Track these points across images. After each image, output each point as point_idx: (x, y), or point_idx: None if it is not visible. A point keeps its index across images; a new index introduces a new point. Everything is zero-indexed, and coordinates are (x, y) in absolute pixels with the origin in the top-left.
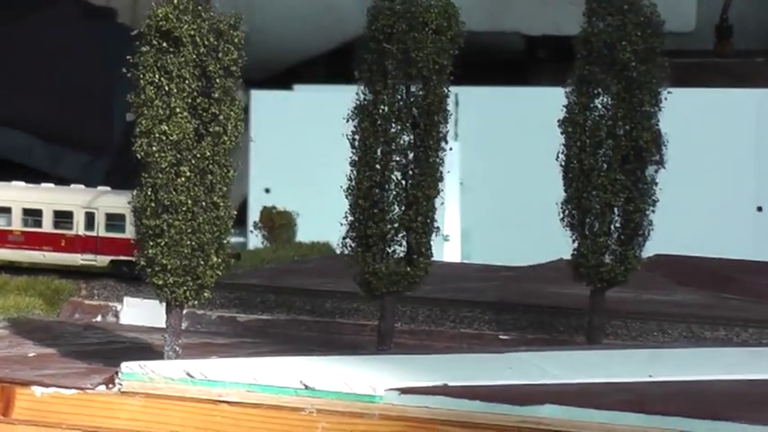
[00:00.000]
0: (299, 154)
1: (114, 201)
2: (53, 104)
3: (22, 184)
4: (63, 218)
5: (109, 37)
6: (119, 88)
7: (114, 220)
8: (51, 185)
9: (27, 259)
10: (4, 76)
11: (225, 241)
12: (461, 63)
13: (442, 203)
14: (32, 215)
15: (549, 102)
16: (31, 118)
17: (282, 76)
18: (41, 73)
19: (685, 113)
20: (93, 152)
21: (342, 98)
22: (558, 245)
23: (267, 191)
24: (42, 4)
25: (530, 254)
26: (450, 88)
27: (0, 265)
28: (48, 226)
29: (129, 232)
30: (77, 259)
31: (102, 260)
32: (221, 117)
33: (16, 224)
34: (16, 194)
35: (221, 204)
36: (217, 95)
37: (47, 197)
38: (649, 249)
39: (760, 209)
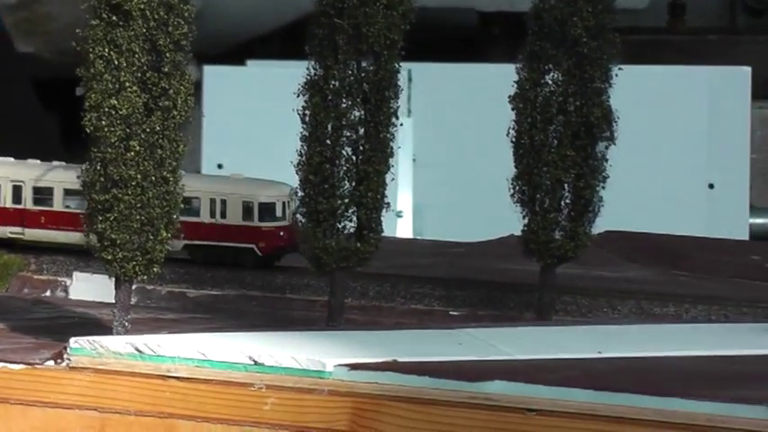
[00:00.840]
0: (252, 129)
1: (41, 174)
2: None
3: None
4: None
5: None
6: None
7: (42, 194)
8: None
9: None
10: None
11: (174, 216)
12: (415, 39)
13: (393, 179)
14: None
15: (503, 78)
16: None
17: (236, 52)
18: None
19: (638, 90)
20: None
21: (295, 74)
22: (510, 221)
23: (220, 166)
24: None
25: (482, 230)
26: (404, 64)
27: None
28: None
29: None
30: (6, 232)
31: (31, 234)
32: (171, 91)
33: None
34: None
35: (171, 179)
36: (167, 70)
37: None
38: (600, 226)
39: (712, 186)
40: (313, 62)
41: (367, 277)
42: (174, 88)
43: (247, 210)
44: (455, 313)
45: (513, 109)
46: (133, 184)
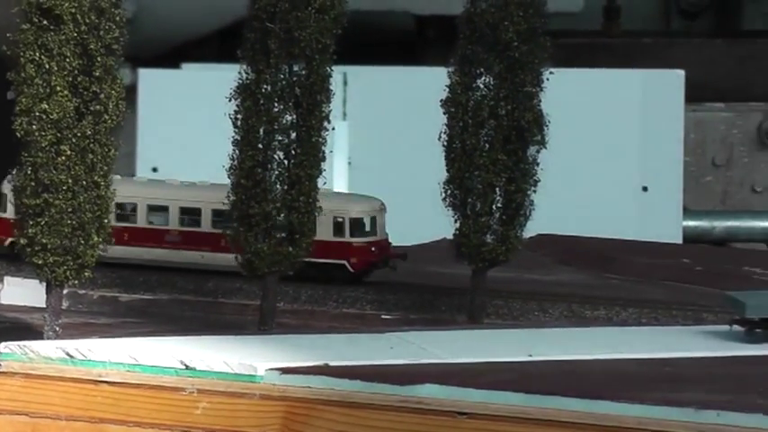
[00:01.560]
0: (187, 133)
1: None
2: None
3: None
4: None
5: None
6: None
7: None
8: None
9: None
10: None
11: (106, 221)
12: (350, 42)
13: (324, 183)
14: None
15: (438, 82)
16: None
17: (171, 55)
18: None
19: (571, 93)
20: None
21: (229, 77)
22: (445, 225)
23: (155, 170)
24: None
25: (416, 234)
26: (339, 68)
27: None
28: None
29: None
30: None
31: None
32: (102, 96)
33: None
34: None
35: (102, 183)
36: (98, 74)
37: None
38: (532, 229)
39: (645, 189)
40: (245, 66)
41: (299, 281)
42: (106, 92)
43: (338, 225)
44: (387, 317)
45: (444, 113)
46: (64, 188)
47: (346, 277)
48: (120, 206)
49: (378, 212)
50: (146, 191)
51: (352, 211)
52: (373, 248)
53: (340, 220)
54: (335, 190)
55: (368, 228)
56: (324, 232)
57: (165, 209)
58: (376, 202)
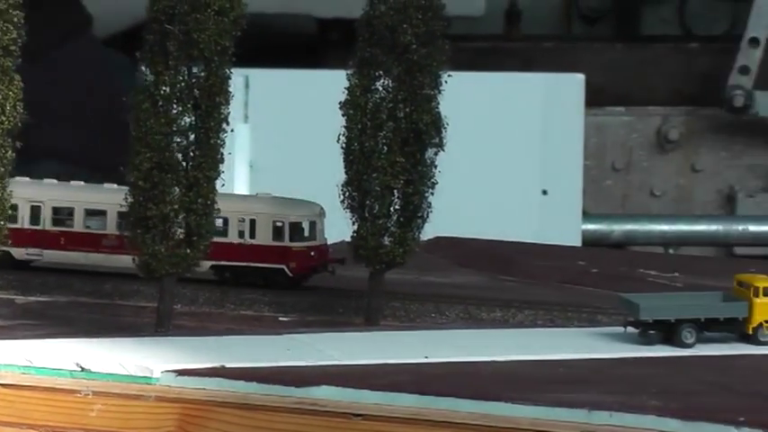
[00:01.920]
0: None
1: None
2: (91, 134)
3: None
4: None
5: (120, 64)
6: None
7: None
8: None
9: None
10: (44, 109)
11: (2, 223)
12: (253, 45)
13: (223, 185)
14: None
15: (340, 84)
16: (73, 149)
17: None
18: (77, 103)
19: (471, 97)
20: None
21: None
22: (344, 227)
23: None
24: (64, 38)
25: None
26: (241, 71)
27: None
28: None
29: None
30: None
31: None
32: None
33: None
34: None
35: None
36: None
37: None
38: (432, 232)
39: (545, 192)
40: (144, 68)
41: (197, 283)
42: (3, 94)
43: (277, 230)
44: (285, 319)
45: (343, 115)
46: None
47: (285, 282)
48: (56, 210)
49: (317, 217)
50: (83, 195)
51: (291, 215)
52: (312, 253)
53: (279, 224)
54: (277, 195)
55: (307, 232)
56: (263, 237)
57: (102, 213)
58: (315, 206)
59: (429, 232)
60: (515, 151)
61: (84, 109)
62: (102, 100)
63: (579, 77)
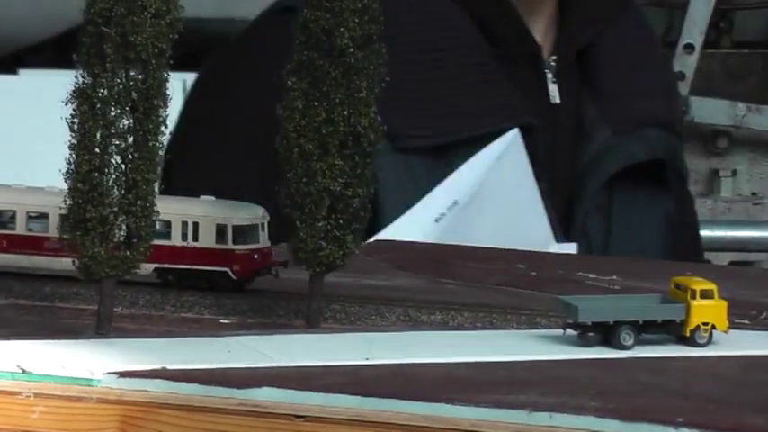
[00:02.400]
0: (26, 139)
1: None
2: (662, 99)
3: None
4: None
5: None
6: None
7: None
8: None
9: None
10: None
11: None
12: (192, 50)
13: (163, 187)
14: None
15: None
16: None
17: (7, 61)
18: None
19: None
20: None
21: (66, 83)
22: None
23: None
24: None
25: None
26: (179, 75)
27: None
28: None
29: None
30: None
31: None
32: None
33: None
34: None
35: None
36: None
37: None
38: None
39: None
40: (81, 71)
41: (137, 285)
42: None
43: (220, 233)
44: (225, 321)
45: (281, 118)
46: None
47: (229, 284)
48: None
49: (260, 220)
50: (25, 198)
51: (234, 218)
52: (256, 256)
53: (222, 227)
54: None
55: (250, 235)
56: (206, 240)
57: (44, 216)
58: (259, 209)
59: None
60: None
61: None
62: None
63: None
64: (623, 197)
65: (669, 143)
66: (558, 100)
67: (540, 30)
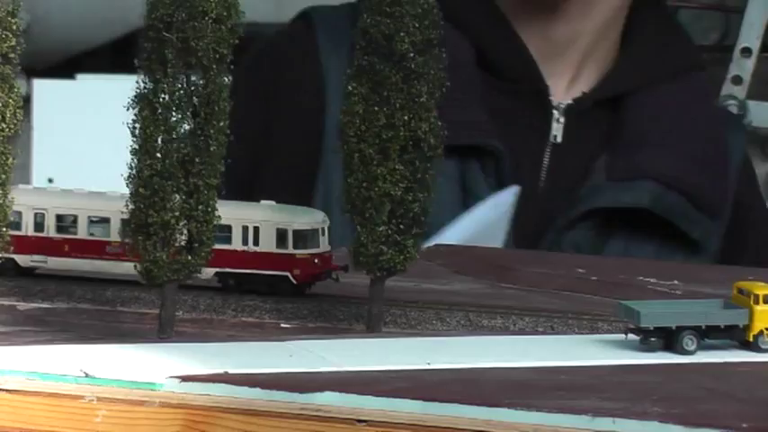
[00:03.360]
0: (83, 143)
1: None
2: (685, 160)
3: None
4: None
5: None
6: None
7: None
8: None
9: None
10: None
11: (3, 229)
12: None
13: (224, 192)
14: None
15: None
16: (669, 173)
17: (66, 66)
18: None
19: None
20: (709, 212)
21: (124, 87)
22: (344, 234)
23: (50, 181)
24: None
25: None
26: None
27: None
28: None
29: None
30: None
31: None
32: None
33: None
34: None
35: (0, 192)
36: None
37: None
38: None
39: None
40: (142, 76)
41: (198, 290)
42: (3, 101)
43: (281, 237)
44: (286, 325)
45: (342, 122)
46: None
47: (289, 289)
48: (60, 218)
49: (321, 225)
50: (87, 203)
51: (295, 222)
52: (316, 260)
53: (283, 232)
54: None
55: (310, 240)
56: (267, 244)
57: (106, 220)
58: (319, 214)
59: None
60: None
61: (683, 135)
62: (699, 130)
63: None
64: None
65: (668, 199)
66: (560, 139)
67: (557, 71)
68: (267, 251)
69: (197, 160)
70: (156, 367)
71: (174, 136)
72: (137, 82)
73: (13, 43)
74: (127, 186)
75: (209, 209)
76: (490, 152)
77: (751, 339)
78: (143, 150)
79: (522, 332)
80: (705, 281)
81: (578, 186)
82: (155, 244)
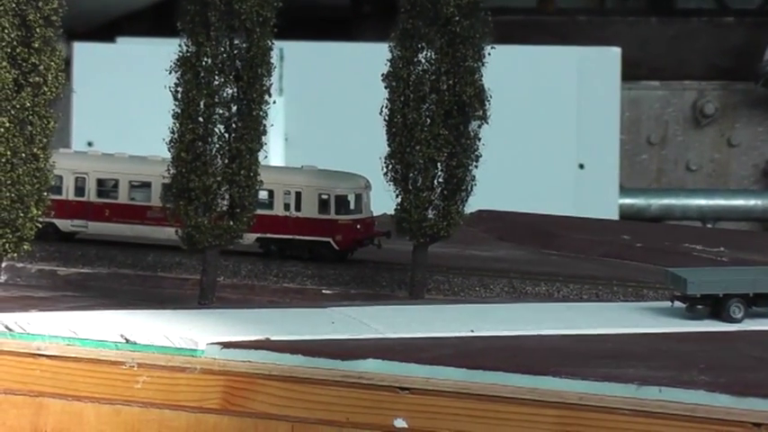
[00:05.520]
0: (123, 107)
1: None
2: None
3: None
4: None
5: None
6: None
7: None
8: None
9: None
10: None
11: (45, 193)
12: (287, 18)
13: (266, 157)
14: None
15: (374, 57)
16: None
17: (106, 29)
18: None
19: (509, 70)
20: None
21: (165, 51)
22: (384, 200)
23: (90, 144)
24: None
25: None
26: (276, 43)
27: None
28: None
29: None
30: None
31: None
32: (41, 67)
33: None
34: None
35: (41, 156)
36: (37, 45)
37: None
38: (472, 205)
39: (582, 166)
40: (185, 39)
41: (239, 255)
42: (45, 64)
43: (323, 203)
44: (328, 292)
45: (386, 87)
46: (3, 160)
47: (331, 255)
48: (101, 182)
49: (363, 190)
50: (128, 167)
51: (337, 188)
52: (358, 226)
53: (325, 197)
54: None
55: (353, 205)
56: (309, 210)
57: (147, 185)
58: (361, 179)
59: (470, 206)
60: (552, 125)
61: None
62: None
63: (615, 51)
64: None
65: None
66: None
67: None
68: (309, 216)
69: (239, 124)
70: (197, 334)
71: (216, 100)
72: (179, 45)
73: (56, 5)
74: (168, 151)
75: (252, 173)
76: None
77: None
78: (185, 114)
79: (566, 299)
80: (752, 248)
81: None
82: (196, 209)
